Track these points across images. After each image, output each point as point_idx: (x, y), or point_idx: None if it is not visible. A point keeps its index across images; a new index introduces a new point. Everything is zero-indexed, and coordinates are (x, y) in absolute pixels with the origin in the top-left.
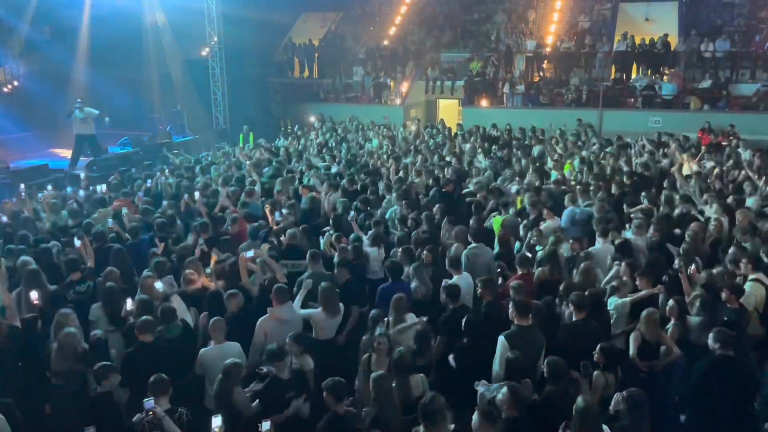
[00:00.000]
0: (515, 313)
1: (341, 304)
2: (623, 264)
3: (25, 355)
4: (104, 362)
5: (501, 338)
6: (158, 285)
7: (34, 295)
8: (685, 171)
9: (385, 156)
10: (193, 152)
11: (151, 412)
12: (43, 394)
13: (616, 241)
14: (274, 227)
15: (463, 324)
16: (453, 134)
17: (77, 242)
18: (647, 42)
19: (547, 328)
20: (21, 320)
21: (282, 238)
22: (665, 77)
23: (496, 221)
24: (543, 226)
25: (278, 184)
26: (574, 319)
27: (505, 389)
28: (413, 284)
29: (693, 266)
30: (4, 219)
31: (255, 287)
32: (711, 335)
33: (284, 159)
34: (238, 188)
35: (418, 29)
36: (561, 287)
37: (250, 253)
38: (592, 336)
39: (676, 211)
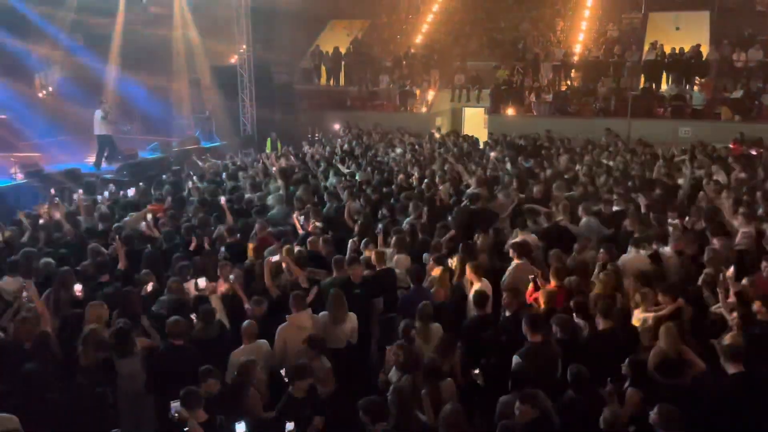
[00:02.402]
0: (527, 330)
1: (353, 315)
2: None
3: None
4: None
5: (515, 358)
6: (201, 282)
7: (78, 287)
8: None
9: (410, 164)
10: (221, 158)
11: (176, 414)
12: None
13: (643, 252)
14: (301, 232)
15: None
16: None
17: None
18: (677, 51)
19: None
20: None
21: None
22: (696, 87)
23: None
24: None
25: (303, 190)
26: (600, 328)
27: (517, 402)
28: (433, 288)
29: (732, 269)
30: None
31: (277, 291)
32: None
33: (311, 165)
34: (264, 194)
35: (445, 37)
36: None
37: (276, 257)
38: (618, 347)
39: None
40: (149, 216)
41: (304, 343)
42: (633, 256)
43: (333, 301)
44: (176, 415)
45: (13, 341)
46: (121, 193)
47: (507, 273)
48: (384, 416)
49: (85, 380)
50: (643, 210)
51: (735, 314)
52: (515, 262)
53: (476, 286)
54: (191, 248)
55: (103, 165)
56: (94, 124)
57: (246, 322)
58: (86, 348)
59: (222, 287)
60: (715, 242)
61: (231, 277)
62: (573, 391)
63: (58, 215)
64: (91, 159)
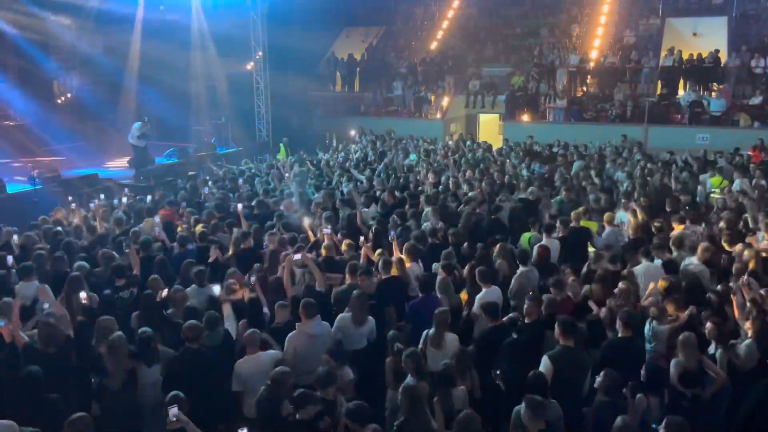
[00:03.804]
0: (560, 333)
1: (371, 317)
2: (659, 282)
3: (78, 359)
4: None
5: (545, 358)
6: (216, 290)
7: (83, 295)
8: (735, 188)
9: (424, 170)
10: (236, 163)
11: (175, 418)
12: (91, 396)
13: (658, 261)
14: (312, 239)
15: (504, 347)
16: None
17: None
18: (695, 57)
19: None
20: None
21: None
22: (714, 93)
23: (524, 237)
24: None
25: (319, 196)
26: (620, 335)
27: (523, 406)
28: (440, 296)
29: (745, 277)
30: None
31: (293, 292)
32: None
33: (326, 171)
34: (279, 199)
35: (460, 43)
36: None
37: (298, 256)
38: (638, 354)
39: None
40: (156, 218)
41: (327, 355)
42: (646, 266)
43: (355, 303)
44: (174, 419)
45: (37, 347)
46: (138, 197)
47: (513, 280)
48: (370, 421)
49: (116, 386)
50: (641, 217)
51: (749, 323)
52: (521, 268)
53: (484, 291)
54: (210, 260)
55: (125, 170)
56: (130, 134)
57: (249, 332)
58: (113, 355)
59: (236, 294)
60: (737, 249)
61: (252, 279)
62: (602, 394)
63: (76, 221)
64: (112, 163)
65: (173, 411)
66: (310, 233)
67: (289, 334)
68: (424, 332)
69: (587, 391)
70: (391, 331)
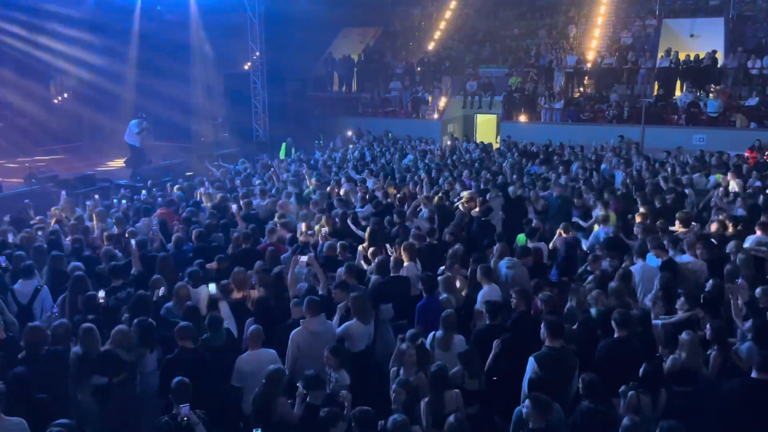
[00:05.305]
0: (547, 334)
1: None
2: (657, 283)
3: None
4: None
5: (531, 359)
6: (212, 288)
7: (101, 294)
8: (731, 189)
9: (422, 171)
10: (232, 164)
11: (185, 417)
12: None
13: (661, 260)
14: (306, 239)
15: (498, 343)
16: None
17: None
18: (692, 58)
19: (584, 350)
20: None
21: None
22: (711, 94)
23: (520, 238)
24: None
25: (316, 196)
26: (615, 336)
27: (527, 401)
28: (443, 295)
29: (740, 279)
30: (56, 226)
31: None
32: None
33: (323, 171)
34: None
35: (457, 44)
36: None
37: (304, 258)
38: (632, 355)
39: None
40: (155, 220)
41: (327, 353)
42: (642, 266)
43: (357, 304)
44: (185, 419)
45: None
46: (135, 197)
47: (505, 268)
48: (374, 425)
49: (131, 374)
50: (641, 219)
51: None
52: (517, 259)
53: (485, 288)
54: (207, 266)
55: (123, 170)
56: (127, 132)
57: (253, 327)
58: (121, 346)
59: (235, 294)
60: (732, 247)
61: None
62: (587, 400)
63: (73, 220)
64: (109, 163)
65: (184, 410)
66: (304, 234)
67: (293, 330)
68: (431, 334)
69: (576, 390)
70: (410, 330)
